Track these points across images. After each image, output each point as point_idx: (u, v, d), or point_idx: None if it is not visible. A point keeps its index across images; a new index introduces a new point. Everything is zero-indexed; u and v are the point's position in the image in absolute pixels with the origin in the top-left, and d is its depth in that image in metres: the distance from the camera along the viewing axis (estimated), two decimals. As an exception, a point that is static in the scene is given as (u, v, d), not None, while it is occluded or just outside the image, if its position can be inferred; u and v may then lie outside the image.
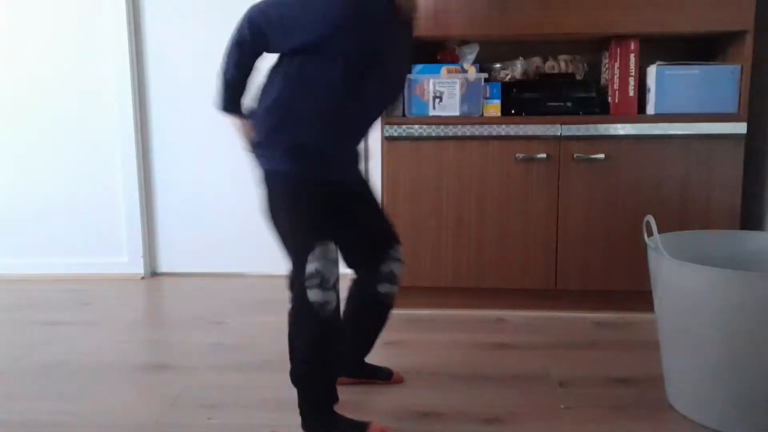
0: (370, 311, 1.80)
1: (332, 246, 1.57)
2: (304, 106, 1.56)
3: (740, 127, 2.35)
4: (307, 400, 1.63)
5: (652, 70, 2.41)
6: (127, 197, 3.10)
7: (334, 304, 1.56)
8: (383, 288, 1.76)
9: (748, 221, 2.55)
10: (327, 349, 1.58)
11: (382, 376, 1.92)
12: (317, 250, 1.53)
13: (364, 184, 1.77)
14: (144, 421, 1.73)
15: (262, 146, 1.61)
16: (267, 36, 1.54)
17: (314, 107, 1.56)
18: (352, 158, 1.72)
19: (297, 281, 1.55)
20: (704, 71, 2.38)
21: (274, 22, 1.52)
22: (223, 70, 1.63)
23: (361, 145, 1.73)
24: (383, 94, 1.67)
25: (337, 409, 1.67)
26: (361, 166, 1.77)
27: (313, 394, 1.62)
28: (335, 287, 1.56)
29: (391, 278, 1.76)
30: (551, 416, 1.72)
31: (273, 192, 1.61)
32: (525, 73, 2.61)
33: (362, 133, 1.69)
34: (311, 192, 1.60)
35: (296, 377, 1.63)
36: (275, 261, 3.11)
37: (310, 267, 1.52)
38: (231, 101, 1.66)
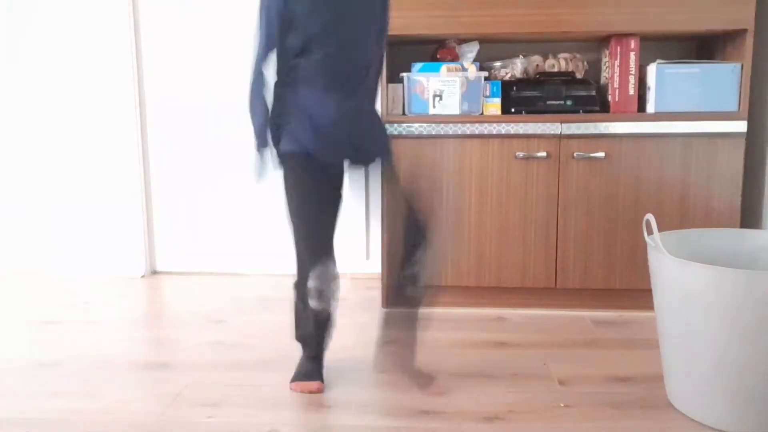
0: None
1: (331, 265, 1.73)
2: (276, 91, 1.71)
3: (740, 126, 2.35)
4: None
5: (652, 69, 2.41)
6: (128, 196, 3.10)
7: (330, 310, 1.80)
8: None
9: (749, 219, 2.55)
10: (312, 331, 1.87)
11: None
12: (318, 270, 1.72)
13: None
14: (144, 419, 1.73)
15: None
16: None
17: (278, 86, 1.71)
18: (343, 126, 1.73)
19: (300, 284, 1.79)
20: (704, 69, 2.38)
21: None
22: None
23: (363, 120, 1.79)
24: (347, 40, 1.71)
25: (338, 407, 1.74)
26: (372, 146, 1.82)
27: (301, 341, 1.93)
28: (333, 296, 1.77)
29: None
30: (551, 414, 1.72)
31: (283, 181, 1.76)
32: (525, 71, 2.61)
33: (340, 86, 1.71)
34: (308, 173, 1.72)
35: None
36: (275, 260, 3.12)
37: (311, 283, 1.73)
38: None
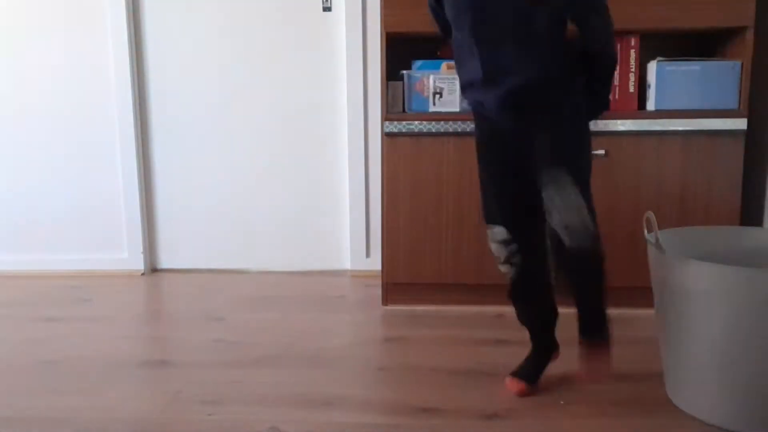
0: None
1: (497, 229, 1.75)
2: None
3: (741, 123, 2.35)
4: None
5: (652, 66, 2.41)
6: (127, 193, 3.10)
7: (511, 275, 1.80)
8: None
9: (749, 217, 2.55)
10: (517, 301, 1.89)
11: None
12: (488, 233, 1.77)
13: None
14: (144, 417, 1.73)
15: None
16: None
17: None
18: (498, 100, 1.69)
19: None
20: (705, 67, 2.37)
21: None
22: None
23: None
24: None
25: (338, 405, 1.72)
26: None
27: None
28: (510, 262, 1.77)
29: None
30: (551, 412, 1.72)
31: None
32: (525, 69, 2.61)
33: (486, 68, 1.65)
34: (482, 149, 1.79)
35: None
36: (275, 257, 3.13)
37: (490, 245, 1.79)
38: None
